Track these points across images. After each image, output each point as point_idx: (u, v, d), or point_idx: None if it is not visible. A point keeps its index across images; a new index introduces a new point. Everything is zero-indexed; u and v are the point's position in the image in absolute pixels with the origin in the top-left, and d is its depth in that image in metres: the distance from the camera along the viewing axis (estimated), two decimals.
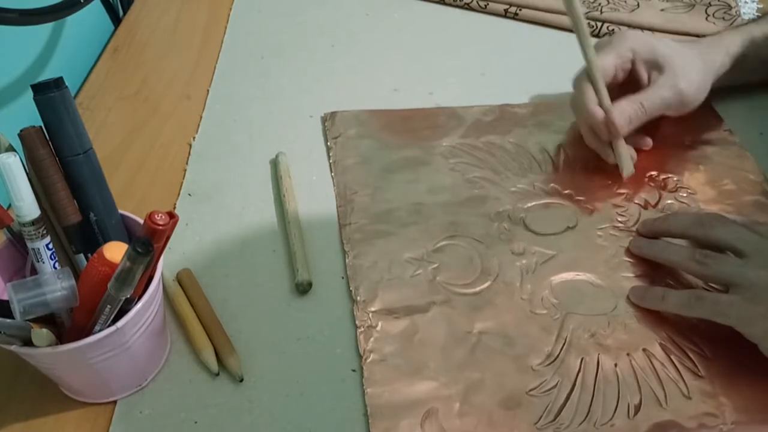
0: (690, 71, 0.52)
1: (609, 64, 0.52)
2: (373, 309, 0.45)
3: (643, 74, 0.53)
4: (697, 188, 0.53)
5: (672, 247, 0.46)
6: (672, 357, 0.42)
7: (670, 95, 0.51)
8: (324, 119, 0.60)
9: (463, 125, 0.59)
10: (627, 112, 0.50)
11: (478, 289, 0.46)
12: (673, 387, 0.41)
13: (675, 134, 0.57)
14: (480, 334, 0.43)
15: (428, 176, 0.54)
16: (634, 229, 0.50)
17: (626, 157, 0.52)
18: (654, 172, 0.54)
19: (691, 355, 0.42)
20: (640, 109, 0.50)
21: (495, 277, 0.47)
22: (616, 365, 0.42)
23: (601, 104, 0.50)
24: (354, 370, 0.42)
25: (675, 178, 0.54)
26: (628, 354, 0.42)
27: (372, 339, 0.43)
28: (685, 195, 0.52)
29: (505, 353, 0.42)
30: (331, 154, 0.57)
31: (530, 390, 0.41)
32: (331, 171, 0.55)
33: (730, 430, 0.39)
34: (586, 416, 0.39)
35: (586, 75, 0.51)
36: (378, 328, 0.44)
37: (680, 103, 0.52)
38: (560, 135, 0.58)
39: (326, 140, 0.58)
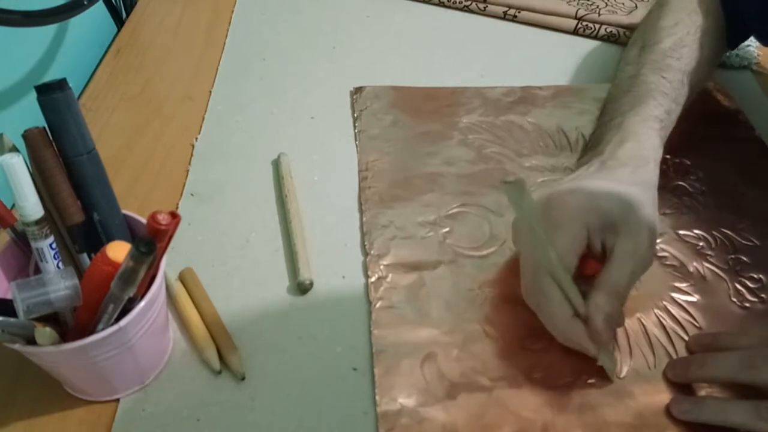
0: (643, 217, 0.42)
1: (571, 259, 0.41)
2: (385, 262, 0.48)
3: (598, 245, 0.43)
4: (712, 183, 0.54)
5: (730, 405, 0.39)
6: (665, 326, 0.44)
7: (638, 263, 0.41)
8: (352, 93, 0.64)
9: (484, 104, 0.62)
10: (607, 312, 0.40)
11: (485, 252, 0.49)
12: (662, 351, 0.43)
13: (696, 128, 0.58)
14: (483, 289, 0.46)
15: (447, 149, 0.57)
16: None
17: (611, 361, 0.42)
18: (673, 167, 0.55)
19: (685, 325, 0.44)
20: (616, 302, 0.40)
21: (502, 242, 0.49)
22: None
23: (575, 312, 0.41)
24: (355, 369, 0.42)
25: (694, 174, 0.55)
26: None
27: (382, 288, 0.46)
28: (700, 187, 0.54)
29: (506, 311, 0.45)
30: (356, 124, 0.60)
31: (526, 343, 0.43)
32: (356, 140, 0.58)
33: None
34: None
35: (549, 275, 0.41)
36: (388, 279, 0.47)
37: (649, 261, 0.42)
38: (579, 116, 0.60)
39: (353, 112, 0.61)
